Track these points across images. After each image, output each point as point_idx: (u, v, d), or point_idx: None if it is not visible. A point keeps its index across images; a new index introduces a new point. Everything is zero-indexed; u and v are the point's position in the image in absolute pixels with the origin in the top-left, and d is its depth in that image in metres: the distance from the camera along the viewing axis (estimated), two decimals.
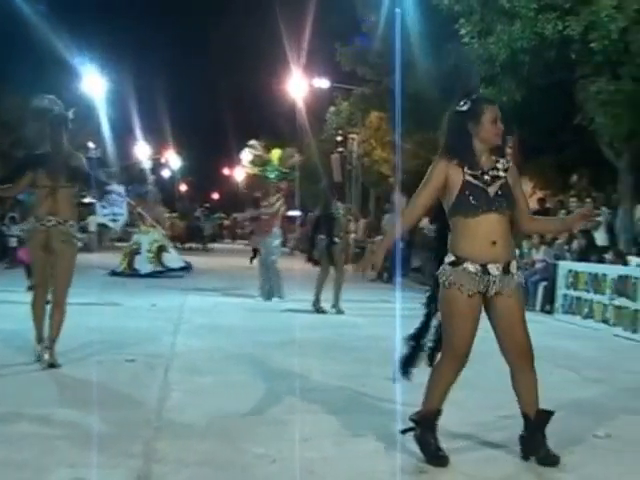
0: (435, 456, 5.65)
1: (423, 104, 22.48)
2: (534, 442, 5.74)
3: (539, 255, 17.84)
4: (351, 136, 40.78)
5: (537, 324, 14.74)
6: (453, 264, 5.64)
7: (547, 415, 5.78)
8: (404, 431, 5.92)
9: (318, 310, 15.05)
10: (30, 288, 13.12)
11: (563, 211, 19.91)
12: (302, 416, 6.79)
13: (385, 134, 34.38)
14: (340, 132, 41.23)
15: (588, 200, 19.73)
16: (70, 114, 9.11)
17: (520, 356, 5.70)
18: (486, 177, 5.64)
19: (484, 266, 5.58)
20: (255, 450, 5.75)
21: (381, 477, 5.32)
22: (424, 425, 5.76)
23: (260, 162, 18.68)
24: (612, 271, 14.29)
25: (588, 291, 14.67)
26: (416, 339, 6.18)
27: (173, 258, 23.19)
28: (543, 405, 5.84)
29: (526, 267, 17.88)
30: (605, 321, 13.99)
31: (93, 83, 39.59)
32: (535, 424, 5.75)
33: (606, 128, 16.82)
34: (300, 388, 7.91)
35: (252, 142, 19.65)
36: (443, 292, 5.70)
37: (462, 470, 5.53)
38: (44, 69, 34.18)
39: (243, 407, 7.06)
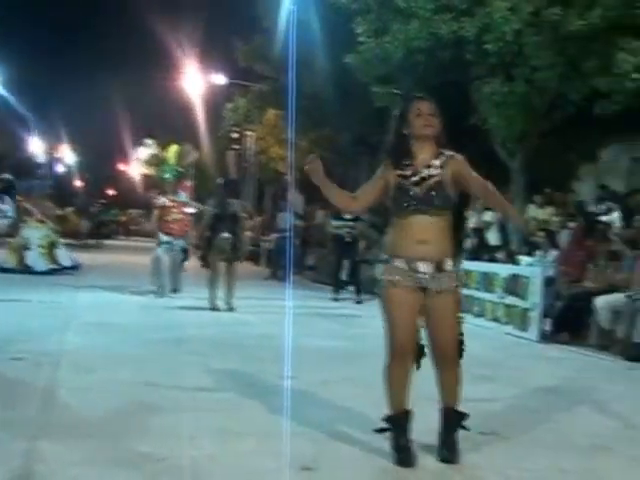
0: (400, 458, 5.66)
1: (319, 102, 22.48)
2: (444, 439, 5.86)
3: None
4: (248, 133, 40.69)
5: None
6: (385, 262, 5.76)
7: (458, 415, 5.92)
8: (378, 431, 5.90)
9: (214, 308, 14.91)
10: None
11: None
12: (189, 414, 6.73)
13: (282, 132, 34.39)
14: (237, 129, 41.10)
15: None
16: None
17: (442, 356, 5.79)
18: (414, 178, 5.70)
19: (412, 264, 5.64)
20: (141, 449, 5.66)
21: (267, 475, 5.30)
22: (394, 426, 5.79)
23: (156, 161, 18.53)
24: (503, 270, 14.46)
25: (479, 290, 14.83)
26: None
27: (64, 255, 22.77)
28: (426, 402, 5.97)
29: None
30: (496, 319, 14.15)
31: None
32: (447, 422, 5.89)
33: (499, 129, 17.04)
34: (189, 386, 7.88)
35: (147, 141, 19.50)
36: (380, 290, 5.81)
37: (350, 466, 5.57)
38: None
39: (130, 405, 6.96)
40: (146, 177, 20.43)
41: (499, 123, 16.93)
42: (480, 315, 14.68)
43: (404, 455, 5.66)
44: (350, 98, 21.90)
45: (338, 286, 18.59)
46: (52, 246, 22.20)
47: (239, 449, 5.83)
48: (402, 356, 5.69)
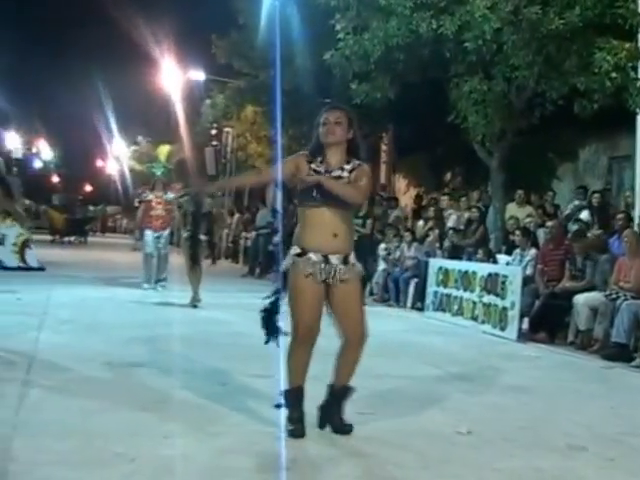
0: (293, 430, 6.15)
1: (299, 99, 22.44)
2: (331, 411, 6.35)
3: (410, 252, 17.94)
4: (226, 130, 40.63)
5: (407, 321, 15.04)
6: (299, 255, 6.21)
7: (348, 390, 6.35)
8: (276, 406, 6.35)
9: (196, 305, 14.99)
10: None
11: (432, 208, 20.17)
12: (162, 413, 6.70)
13: (260, 128, 34.36)
14: (215, 125, 41.04)
15: (463, 199, 20.03)
16: None
17: (353, 336, 6.25)
18: (326, 175, 6.21)
19: (326, 257, 6.16)
20: (114, 449, 5.61)
21: (242, 473, 5.28)
22: (290, 400, 6.26)
23: (147, 159, 18.80)
24: (482, 269, 14.45)
25: (458, 289, 14.82)
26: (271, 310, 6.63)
27: (32, 256, 22.72)
28: (410, 399, 6.57)
29: (397, 264, 18.00)
30: (474, 318, 14.16)
31: None
32: (337, 395, 6.34)
33: (478, 127, 17.00)
34: (162, 385, 7.88)
35: (139, 139, 19.65)
36: (290, 280, 6.25)
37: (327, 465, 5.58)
38: None
39: (103, 405, 6.91)
40: (134, 173, 20.70)
41: (478, 121, 16.89)
42: (458, 314, 14.69)
43: (296, 427, 6.17)
44: (329, 95, 21.83)
45: None
46: (24, 245, 22.18)
47: (214, 448, 5.81)
48: (304, 340, 6.17)
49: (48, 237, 39.84)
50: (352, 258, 6.27)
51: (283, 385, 6.33)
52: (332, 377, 6.36)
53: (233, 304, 15.74)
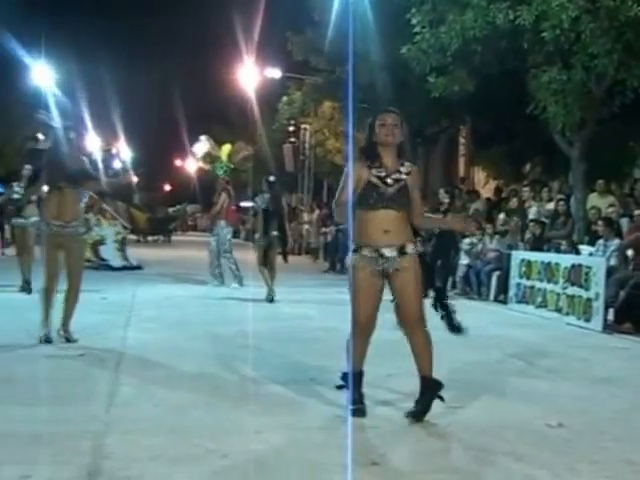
0: (355, 409, 6.53)
1: (375, 94, 22.42)
2: (420, 402, 6.58)
3: (492, 245, 17.88)
4: (304, 126, 40.73)
5: (491, 314, 14.94)
6: (355, 251, 6.69)
7: (433, 383, 6.60)
8: (338, 387, 6.95)
9: (272, 300, 15.18)
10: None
11: (514, 199, 20.00)
12: (253, 409, 6.76)
13: (338, 124, 34.39)
14: (293, 122, 41.15)
15: (545, 190, 19.85)
16: (71, 131, 10.23)
17: (412, 322, 6.64)
18: (389, 180, 6.63)
19: (378, 250, 6.57)
20: (206, 444, 5.69)
21: (332, 469, 5.28)
22: (353, 383, 6.66)
23: (210, 158, 19.00)
24: (565, 260, 14.34)
25: (541, 280, 14.72)
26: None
27: (131, 255, 23.23)
28: (498, 392, 6.55)
29: (479, 257, 17.94)
30: (558, 310, 14.04)
31: (42, 75, 39.03)
32: (424, 386, 6.59)
33: (558, 117, 16.86)
34: (250, 381, 7.93)
35: (202, 138, 19.82)
36: (349, 274, 6.73)
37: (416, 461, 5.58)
38: None
39: (194, 401, 7.02)
40: (202, 171, 21.05)
41: (557, 111, 16.75)
42: (542, 306, 14.58)
43: (359, 407, 6.59)
44: (406, 89, 21.82)
45: None
46: (123, 243, 22.69)
47: (305, 444, 5.85)
48: (363, 329, 6.63)
49: (132, 237, 40.37)
50: (410, 248, 6.64)
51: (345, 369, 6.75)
52: (418, 369, 6.62)
53: (316, 300, 15.89)
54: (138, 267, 22.95)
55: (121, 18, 79.76)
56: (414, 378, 6.62)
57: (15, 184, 15.64)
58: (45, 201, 10.31)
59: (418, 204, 6.82)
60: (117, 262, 22.33)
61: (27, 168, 15.32)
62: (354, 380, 6.68)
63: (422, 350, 6.62)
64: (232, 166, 19.39)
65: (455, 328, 7.26)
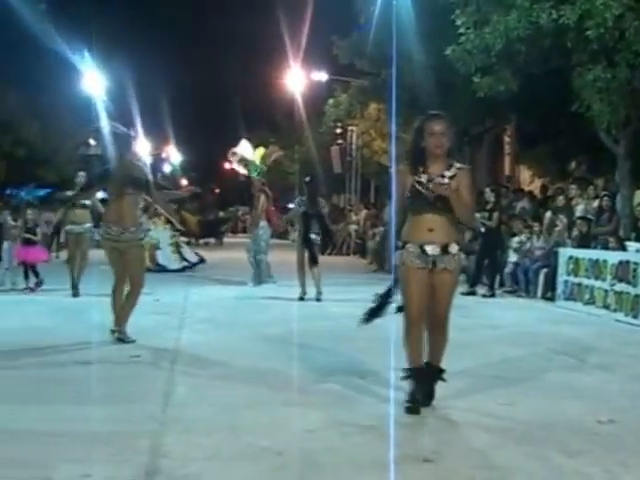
0: (410, 407, 6.70)
1: (421, 95, 22.52)
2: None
3: (539, 242, 17.93)
4: (350, 128, 40.84)
5: (539, 311, 14.92)
6: (401, 247, 6.85)
7: (438, 371, 6.95)
8: (403, 378, 6.92)
9: (319, 299, 15.62)
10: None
11: (561, 197, 20.00)
12: (306, 407, 6.87)
13: (384, 125, 34.41)
14: (339, 124, 41.28)
15: (591, 188, 19.84)
16: (132, 133, 10.94)
17: (437, 320, 6.88)
18: (431, 185, 6.68)
19: (422, 246, 6.72)
20: (260, 443, 5.80)
21: (385, 466, 5.30)
22: (413, 378, 6.83)
23: (245, 162, 19.41)
24: (612, 257, 14.37)
25: (589, 277, 14.76)
26: (384, 297, 7.36)
27: (189, 253, 23.57)
28: (548, 388, 6.72)
29: (526, 255, 17.99)
30: (606, 307, 14.05)
31: (93, 80, 39.37)
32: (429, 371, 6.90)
33: (603, 115, 16.84)
34: (302, 379, 8.05)
35: (243, 142, 20.17)
36: (397, 269, 6.95)
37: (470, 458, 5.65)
38: (45, 68, 34.18)
39: (247, 400, 7.16)
40: (238, 174, 21.52)
41: (602, 109, 16.74)
42: (590, 303, 14.59)
43: (411, 405, 6.72)
44: (451, 90, 21.91)
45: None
46: (178, 245, 23.03)
47: (358, 441, 5.93)
48: (413, 321, 6.76)
49: (183, 239, 40.57)
50: (453, 248, 6.80)
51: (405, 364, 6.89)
52: (428, 356, 6.95)
53: (365, 299, 15.80)
54: (202, 261, 23.28)
55: (170, 23, 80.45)
56: (465, 377, 6.78)
57: (70, 192, 15.79)
58: (106, 207, 10.70)
59: (467, 196, 6.85)
60: (175, 265, 22.68)
61: (81, 175, 15.63)
62: (414, 375, 6.81)
63: (438, 348, 6.94)
64: (265, 168, 19.81)
65: None
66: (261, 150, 20.23)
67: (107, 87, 40.16)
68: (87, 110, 36.23)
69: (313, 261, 15.78)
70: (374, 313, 7.44)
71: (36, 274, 16.55)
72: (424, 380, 6.85)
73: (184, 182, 78.57)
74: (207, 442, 5.85)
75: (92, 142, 42.89)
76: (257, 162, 19.56)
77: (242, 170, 20.16)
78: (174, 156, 73.37)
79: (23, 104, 35.94)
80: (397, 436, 5.93)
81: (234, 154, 20.18)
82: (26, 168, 36.36)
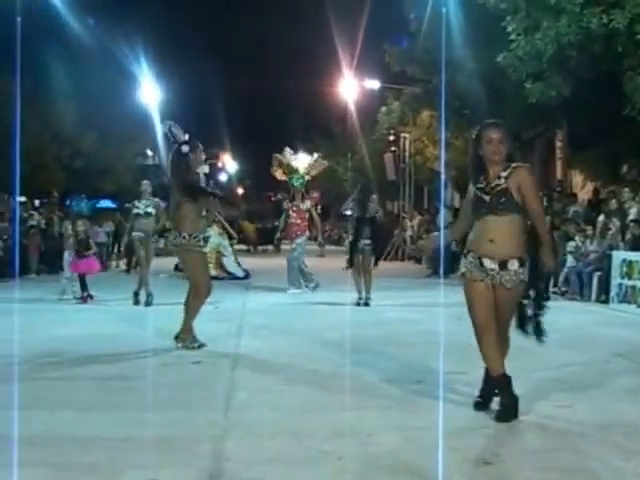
0: (476, 402, 6.94)
1: (472, 102, 22.64)
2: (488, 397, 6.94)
3: (592, 246, 17.97)
4: (403, 135, 40.92)
5: (593, 314, 14.82)
6: (464, 255, 6.93)
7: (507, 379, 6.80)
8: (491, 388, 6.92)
9: (368, 304, 15.79)
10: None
11: (614, 201, 19.98)
12: (365, 411, 6.95)
13: (436, 132, 34.51)
14: (392, 131, 41.40)
15: None
16: (185, 148, 10.81)
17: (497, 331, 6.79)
18: (487, 189, 6.78)
19: (480, 259, 6.76)
20: (321, 447, 5.89)
21: (447, 469, 5.32)
22: (496, 386, 6.81)
23: (288, 170, 19.69)
24: None
25: None
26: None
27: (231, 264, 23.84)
28: (605, 391, 6.80)
29: (580, 259, 18.03)
30: None
31: (149, 91, 39.73)
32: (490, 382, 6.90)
33: None
34: (363, 383, 8.14)
35: (286, 149, 20.47)
36: (460, 277, 6.99)
37: (531, 461, 5.70)
38: (100, 81, 34.68)
39: (308, 404, 7.26)
40: (279, 182, 21.87)
41: None
42: None
43: (478, 400, 6.93)
44: (503, 96, 21.98)
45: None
46: (236, 254, 23.49)
47: (418, 444, 5.98)
48: (480, 331, 6.76)
49: (242, 247, 40.67)
50: (513, 265, 6.70)
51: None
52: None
53: (420, 303, 15.89)
54: (247, 276, 23.54)
55: (227, 32, 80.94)
56: (522, 380, 6.86)
57: (136, 201, 16.09)
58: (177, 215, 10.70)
59: (532, 198, 6.80)
60: (239, 272, 23.05)
61: (145, 183, 15.96)
62: (495, 382, 6.79)
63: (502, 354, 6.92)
64: (308, 177, 20.10)
65: (540, 332, 7.19)
66: (306, 158, 20.51)
67: (163, 96, 40.55)
68: (143, 119, 36.78)
69: (352, 265, 15.98)
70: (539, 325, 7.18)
71: (83, 287, 16.65)
72: (499, 389, 6.80)
73: (240, 190, 79.27)
74: (269, 445, 5.95)
75: (149, 152, 43.41)
76: (300, 172, 19.86)
77: (280, 176, 20.49)
78: (229, 165, 73.88)
79: (81, 116, 36.42)
80: (457, 439, 6.01)
81: (275, 159, 20.54)
82: (84, 179, 36.78)
